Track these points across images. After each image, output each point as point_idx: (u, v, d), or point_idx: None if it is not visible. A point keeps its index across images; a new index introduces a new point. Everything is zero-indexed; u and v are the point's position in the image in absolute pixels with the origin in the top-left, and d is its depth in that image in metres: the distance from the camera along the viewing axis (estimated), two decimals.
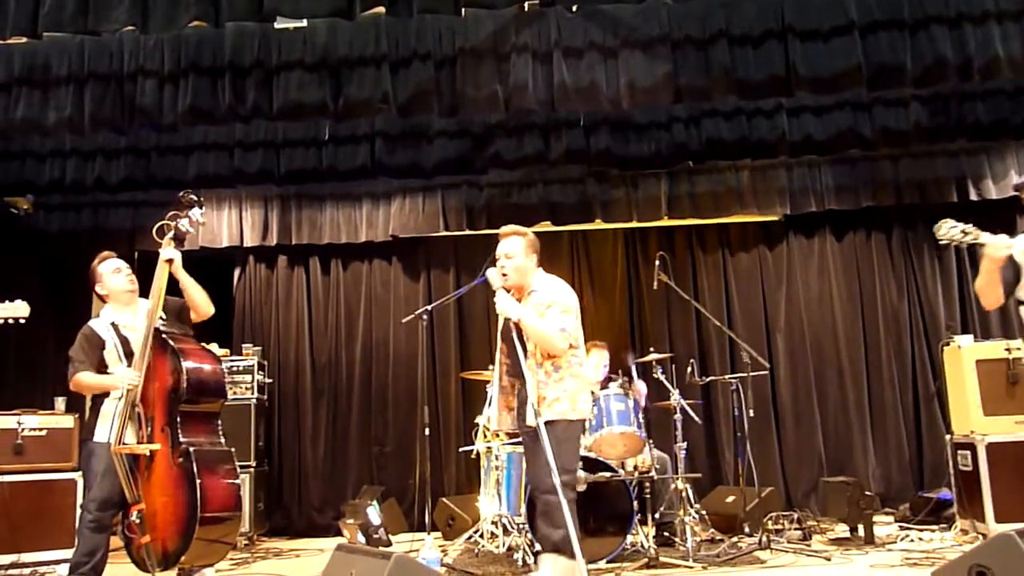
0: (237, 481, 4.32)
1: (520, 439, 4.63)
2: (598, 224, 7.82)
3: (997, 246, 3.97)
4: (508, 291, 4.25)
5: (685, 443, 5.79)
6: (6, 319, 4.31)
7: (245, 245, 7.97)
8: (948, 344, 6.12)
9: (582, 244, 8.18)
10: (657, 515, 5.74)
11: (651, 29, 5.51)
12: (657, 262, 6.07)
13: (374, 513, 6.43)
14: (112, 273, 4.48)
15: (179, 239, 4.47)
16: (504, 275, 4.24)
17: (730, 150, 6.72)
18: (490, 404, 6.18)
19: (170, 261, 4.37)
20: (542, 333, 4.07)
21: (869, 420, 7.64)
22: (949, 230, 4.01)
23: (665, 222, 7.78)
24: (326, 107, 5.61)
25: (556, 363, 4.12)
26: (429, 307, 6.43)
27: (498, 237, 4.39)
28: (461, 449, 7.05)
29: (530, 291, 4.27)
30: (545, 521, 3.98)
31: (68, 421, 6.11)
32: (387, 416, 7.90)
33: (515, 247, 4.29)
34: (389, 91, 5.57)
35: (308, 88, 5.59)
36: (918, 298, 7.81)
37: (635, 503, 5.32)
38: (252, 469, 6.94)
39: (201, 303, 4.48)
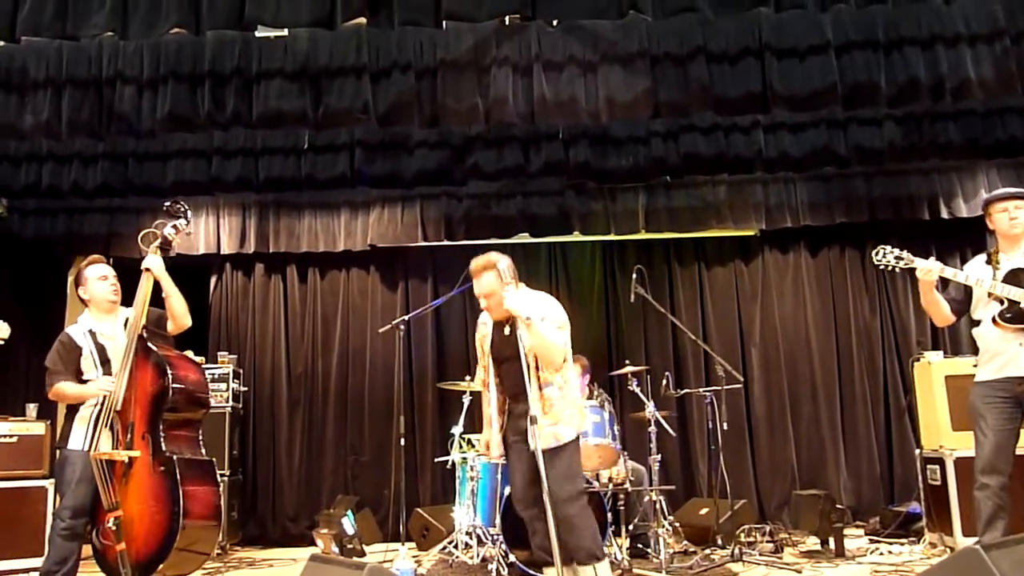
0: (218, 491, 4.31)
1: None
2: (576, 236, 7.86)
3: (924, 270, 4.23)
4: (497, 322, 4.19)
5: (660, 455, 5.83)
6: None
7: (222, 252, 7.92)
8: (918, 360, 6.22)
9: (560, 256, 8.22)
10: (631, 527, 5.79)
11: (630, 45, 5.57)
12: (634, 275, 6.13)
13: (348, 523, 6.41)
14: (97, 279, 4.44)
15: (165, 248, 4.47)
16: (490, 309, 4.18)
17: (707, 165, 6.79)
18: (463, 417, 6.20)
19: (148, 269, 4.34)
20: (548, 340, 3.98)
21: (841, 434, 7.72)
22: (885, 255, 4.43)
23: (642, 235, 7.84)
24: (306, 116, 5.61)
25: (549, 380, 4.06)
26: (406, 317, 6.45)
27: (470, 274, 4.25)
28: (437, 459, 7.04)
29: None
30: (570, 535, 3.92)
31: (40, 428, 6.05)
32: (363, 426, 7.88)
33: (489, 284, 4.14)
34: (369, 101, 5.57)
35: (288, 97, 5.59)
36: (890, 314, 7.92)
37: (609, 514, 5.35)
38: (226, 478, 6.90)
39: (180, 314, 4.44)
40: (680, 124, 6.60)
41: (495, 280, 4.11)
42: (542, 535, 4.00)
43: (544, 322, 4.03)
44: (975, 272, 4.36)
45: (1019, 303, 4.21)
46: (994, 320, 4.28)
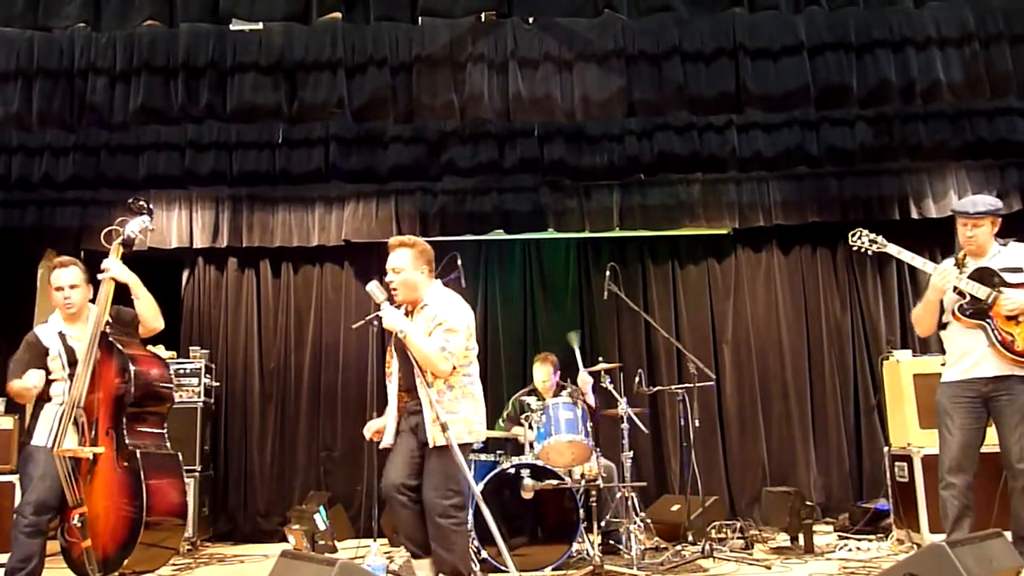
0: (183, 485, 4.26)
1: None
2: (551, 233, 7.87)
3: (944, 275, 4.26)
4: (399, 306, 4.15)
5: (632, 452, 5.85)
6: None
7: (195, 246, 7.84)
8: (887, 358, 6.27)
9: (535, 253, 8.21)
10: (603, 523, 5.80)
11: (606, 43, 5.58)
12: (608, 272, 6.14)
13: (320, 519, 6.38)
14: (55, 290, 4.36)
15: (127, 244, 4.42)
16: (393, 290, 4.12)
17: (681, 164, 6.81)
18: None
19: (106, 270, 4.28)
20: (424, 353, 3.93)
21: (811, 431, 7.79)
22: (861, 237, 4.58)
23: (617, 233, 7.85)
24: (280, 110, 5.56)
25: (449, 382, 4.02)
26: (380, 312, 6.40)
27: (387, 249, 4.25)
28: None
29: (422, 305, 4.15)
30: (440, 544, 3.91)
31: (7, 422, 6.00)
32: (335, 421, 7.84)
33: (402, 260, 4.14)
34: (344, 96, 5.54)
35: (262, 90, 5.54)
36: (860, 313, 7.99)
37: (581, 511, 5.36)
38: (197, 473, 6.84)
39: (149, 317, 4.39)
40: (655, 123, 6.61)
41: (409, 259, 4.14)
42: (407, 527, 4.04)
43: (437, 329, 3.99)
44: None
45: (981, 299, 4.28)
46: (953, 313, 4.34)
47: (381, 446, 4.24)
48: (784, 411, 7.84)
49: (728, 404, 7.85)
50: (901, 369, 5.99)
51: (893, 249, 4.51)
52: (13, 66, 5.48)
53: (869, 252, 4.57)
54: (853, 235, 4.62)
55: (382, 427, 4.30)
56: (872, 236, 4.55)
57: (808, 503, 6.14)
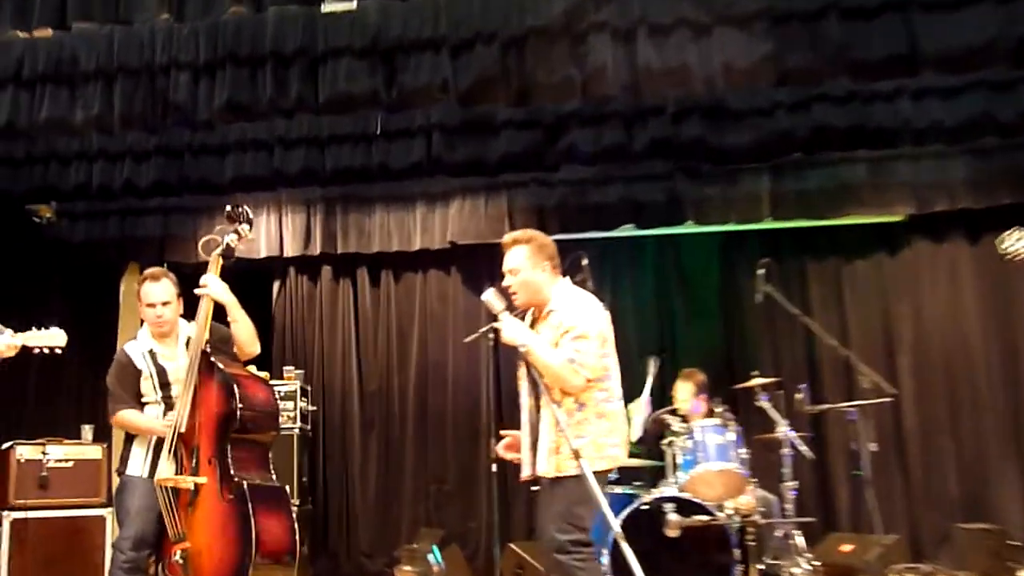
0: (292, 522, 4.46)
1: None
2: (689, 227, 7.85)
3: None
4: (522, 313, 4.15)
5: (796, 482, 5.78)
6: (41, 349, 4.44)
7: (285, 255, 8.18)
8: None
9: (671, 251, 8.21)
10: (762, 566, 5.75)
11: (749, 2, 5.54)
12: (760, 271, 6.10)
13: (434, 559, 6.53)
14: (145, 307, 4.59)
15: (227, 256, 4.65)
16: (513, 294, 4.12)
17: (843, 140, 6.71)
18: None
19: (204, 286, 4.49)
20: (550, 367, 3.87)
21: (1014, 454, 7.49)
22: (1017, 241, 3.95)
23: (768, 224, 7.77)
24: (378, 97, 5.72)
25: (579, 400, 3.96)
26: (495, 324, 6.53)
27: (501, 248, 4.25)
28: (534, 488, 7.11)
29: (548, 311, 4.10)
30: None
31: (96, 451, 6.36)
32: (446, 449, 8.02)
33: (518, 259, 4.11)
34: (449, 78, 5.66)
35: (358, 77, 5.71)
36: None
37: (736, 551, 5.34)
38: (295, 508, 7.10)
39: (246, 341, 4.61)
40: (810, 93, 6.52)
41: (526, 257, 4.10)
42: None
43: (564, 337, 3.94)
44: None
45: None
46: None
47: (521, 478, 4.19)
48: (977, 431, 7.56)
49: (908, 424, 7.62)
50: None
51: None
52: (93, 65, 5.84)
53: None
54: (1003, 240, 4.01)
55: (515, 440, 4.25)
56: None
57: (1011, 542, 5.94)
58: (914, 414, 7.64)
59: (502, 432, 4.43)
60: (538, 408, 4.05)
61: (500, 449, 4.40)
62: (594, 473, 3.78)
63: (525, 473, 4.15)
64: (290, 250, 8.14)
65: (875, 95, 6.55)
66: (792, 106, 6.62)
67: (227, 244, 4.65)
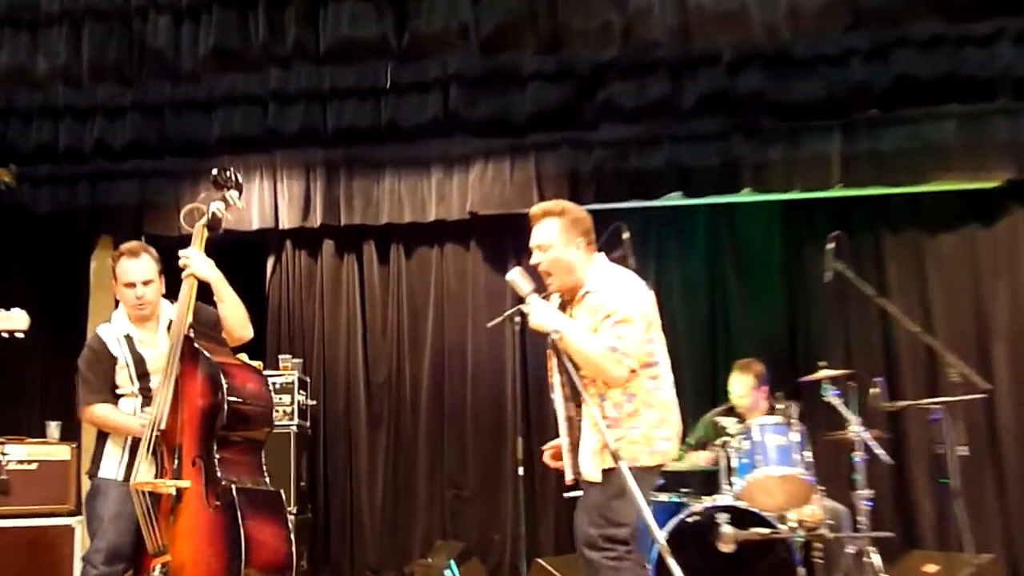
0: (288, 531, 4.44)
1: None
2: (747, 195, 7.78)
3: None
4: (548, 296, 4.15)
5: (871, 491, 5.75)
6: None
7: (281, 227, 8.18)
8: None
9: (724, 222, 8.17)
10: None
11: None
12: (829, 245, 6.04)
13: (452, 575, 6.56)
14: (123, 287, 4.55)
15: (213, 227, 4.62)
16: (544, 274, 4.12)
17: (929, 92, 6.67)
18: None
19: (186, 267, 4.46)
20: (587, 356, 3.89)
21: None
22: None
23: (839, 192, 7.69)
24: (387, 45, 5.71)
25: (627, 389, 3.96)
26: (522, 307, 6.51)
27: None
28: (566, 494, 7.10)
29: (584, 292, 4.12)
30: None
31: (64, 452, 6.36)
32: (465, 449, 8.04)
33: (549, 233, 4.12)
34: (469, 22, 5.64)
35: (364, 21, 5.70)
36: None
37: (801, 570, 5.32)
38: (293, 516, 7.10)
39: (235, 324, 4.61)
40: (890, 37, 6.48)
41: (558, 231, 4.10)
42: None
43: (605, 322, 3.93)
44: None
45: None
46: None
47: (567, 480, 4.17)
48: None
49: (1005, 424, 7.55)
50: None
51: None
52: (58, 6, 5.84)
53: None
54: None
55: (558, 447, 4.25)
56: None
57: None
58: (1011, 412, 7.56)
59: (544, 447, 4.43)
60: (577, 404, 4.04)
61: (547, 459, 4.40)
62: (642, 469, 3.84)
63: (568, 477, 4.14)
64: (286, 221, 8.13)
65: (967, 39, 6.49)
66: (868, 54, 6.59)
67: (213, 214, 4.62)
